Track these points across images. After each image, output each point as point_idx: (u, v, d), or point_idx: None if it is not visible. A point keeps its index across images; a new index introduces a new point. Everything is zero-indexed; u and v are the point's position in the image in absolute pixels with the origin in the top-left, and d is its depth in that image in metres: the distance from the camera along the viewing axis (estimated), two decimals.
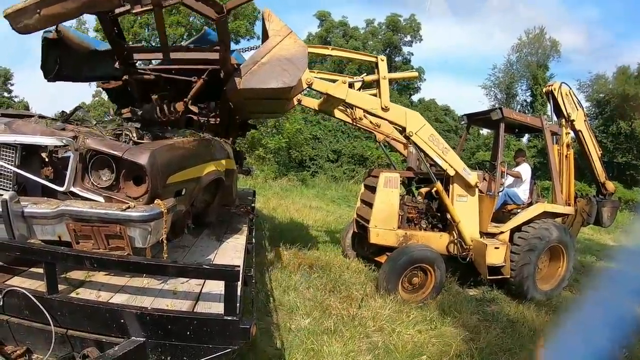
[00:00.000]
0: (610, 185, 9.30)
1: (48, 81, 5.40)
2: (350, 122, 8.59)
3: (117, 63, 4.24)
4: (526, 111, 38.57)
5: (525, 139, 34.86)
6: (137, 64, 4.61)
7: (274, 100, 5.24)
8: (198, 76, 4.61)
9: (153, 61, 5.22)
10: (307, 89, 6.65)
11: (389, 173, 7.66)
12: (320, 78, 7.01)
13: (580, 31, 68.80)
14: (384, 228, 7.33)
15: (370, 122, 8.59)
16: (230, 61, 4.39)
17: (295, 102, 7.63)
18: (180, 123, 4.94)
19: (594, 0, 74.53)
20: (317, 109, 8.09)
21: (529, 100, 40.23)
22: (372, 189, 7.76)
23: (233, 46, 5.05)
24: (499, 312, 6.78)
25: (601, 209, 8.86)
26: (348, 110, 8.27)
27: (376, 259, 7.96)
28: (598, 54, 61.19)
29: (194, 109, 4.86)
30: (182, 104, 4.82)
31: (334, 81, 7.05)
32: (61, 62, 5.13)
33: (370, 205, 7.58)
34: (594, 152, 9.05)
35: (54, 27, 4.59)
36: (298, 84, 4.89)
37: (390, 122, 7.39)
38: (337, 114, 8.32)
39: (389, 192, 7.40)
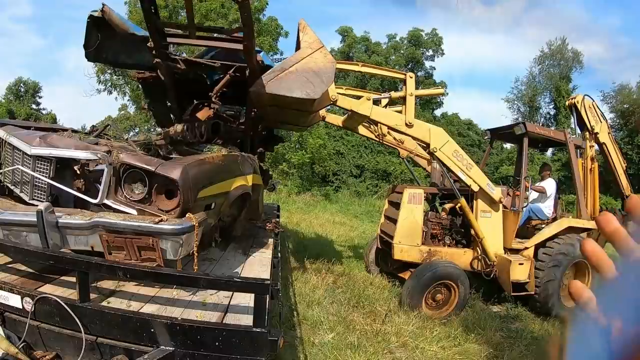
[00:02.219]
0: None
1: (88, 60, 5.57)
2: (374, 138, 8.62)
3: (150, 42, 4.33)
4: (550, 124, 38.18)
5: (549, 152, 34.44)
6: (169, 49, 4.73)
7: (296, 110, 5.29)
8: (225, 71, 4.72)
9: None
10: (332, 105, 6.70)
11: (413, 189, 7.65)
12: (345, 94, 7.07)
13: (603, 41, 67.84)
14: (408, 244, 7.31)
15: (394, 138, 8.60)
16: (256, 57, 4.44)
17: (320, 118, 7.70)
18: (207, 133, 5.03)
19: (616, 8, 73.31)
20: (341, 125, 8.14)
21: (552, 112, 39.77)
22: (396, 205, 7.76)
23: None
24: (523, 329, 6.69)
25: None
26: (372, 126, 8.29)
27: (400, 275, 7.94)
28: (622, 63, 60.07)
29: (217, 103, 4.96)
30: (207, 110, 4.94)
31: (358, 97, 7.09)
32: (102, 42, 5.20)
33: (394, 221, 7.57)
34: (619, 165, 8.91)
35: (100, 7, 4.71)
36: (322, 98, 4.93)
37: (414, 139, 7.40)
38: (361, 130, 8.35)
39: (413, 208, 7.40)
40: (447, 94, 40.47)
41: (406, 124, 6.79)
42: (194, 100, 5.48)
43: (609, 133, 8.78)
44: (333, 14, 76.75)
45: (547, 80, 39.90)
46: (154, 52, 4.43)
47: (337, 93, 6.57)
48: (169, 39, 4.51)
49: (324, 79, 4.27)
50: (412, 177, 11.52)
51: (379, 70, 8.78)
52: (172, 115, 5.84)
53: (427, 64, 40.10)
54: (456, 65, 73.39)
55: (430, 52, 39.76)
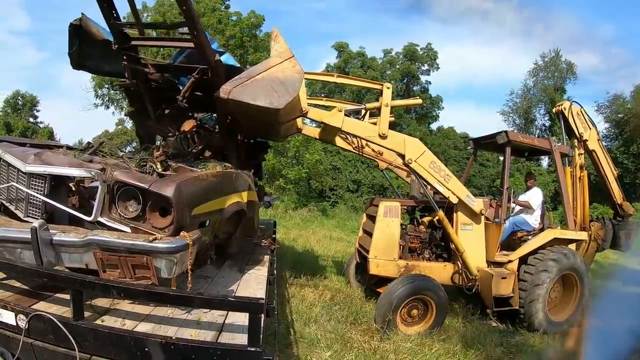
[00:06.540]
0: (628, 206, 8.97)
1: (73, 68, 5.57)
2: (352, 150, 8.54)
3: (114, 45, 4.35)
4: (545, 135, 38.39)
5: (545, 163, 34.66)
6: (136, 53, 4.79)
7: (262, 119, 5.25)
8: (190, 73, 4.76)
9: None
10: (304, 117, 6.66)
11: (389, 202, 7.52)
12: (318, 105, 7.01)
13: (597, 52, 68.28)
14: (384, 258, 7.15)
15: (373, 150, 8.51)
16: (213, 55, 4.40)
17: (295, 130, 7.67)
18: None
19: (610, 19, 73.59)
20: (317, 138, 8.03)
21: (547, 124, 40.10)
22: (373, 219, 7.58)
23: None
24: (524, 343, 6.62)
25: (618, 232, 8.56)
26: (349, 138, 8.20)
27: (378, 289, 7.64)
28: (616, 73, 60.32)
29: (183, 105, 4.98)
30: (192, 122, 4.99)
31: (331, 108, 6.99)
32: (85, 51, 5.25)
33: (371, 235, 7.39)
34: (610, 173, 8.80)
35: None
36: (290, 109, 4.92)
37: (390, 150, 7.31)
38: (339, 142, 8.22)
39: (389, 222, 7.25)
40: (443, 107, 40.69)
41: (380, 135, 6.69)
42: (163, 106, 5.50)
43: (598, 140, 8.69)
44: (329, 30, 77.50)
45: (541, 92, 40.33)
46: (122, 55, 4.46)
47: (308, 105, 6.49)
48: (132, 42, 4.52)
49: (289, 89, 4.25)
50: (405, 190, 11.41)
51: (356, 81, 8.75)
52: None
53: (423, 78, 40.46)
54: (452, 79, 74.01)
55: (426, 67, 40.07)
